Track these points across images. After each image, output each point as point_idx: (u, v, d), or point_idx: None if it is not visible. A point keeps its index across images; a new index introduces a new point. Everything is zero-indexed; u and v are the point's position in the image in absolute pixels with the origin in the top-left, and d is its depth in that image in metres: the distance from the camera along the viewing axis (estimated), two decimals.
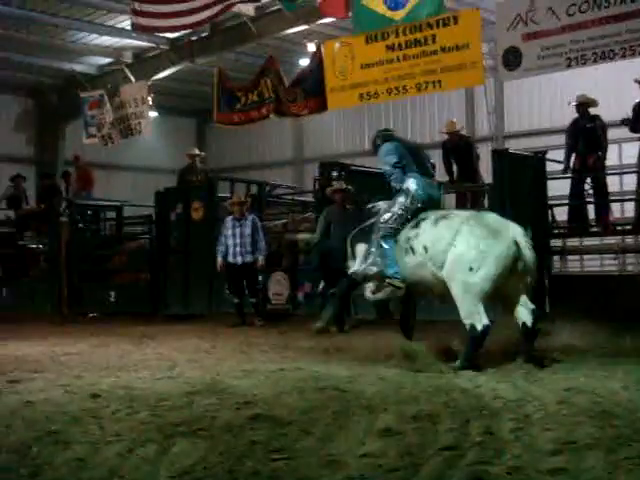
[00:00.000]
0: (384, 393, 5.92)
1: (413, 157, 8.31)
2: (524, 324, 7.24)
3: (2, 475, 4.01)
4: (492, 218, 7.61)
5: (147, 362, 8.29)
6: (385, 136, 8.69)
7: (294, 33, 17.05)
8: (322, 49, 13.85)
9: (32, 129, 23.89)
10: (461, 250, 7.27)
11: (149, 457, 4.26)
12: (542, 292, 11.60)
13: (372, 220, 8.25)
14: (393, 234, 7.89)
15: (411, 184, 8.03)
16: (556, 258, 13.38)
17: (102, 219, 17.88)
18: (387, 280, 7.88)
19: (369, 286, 8.25)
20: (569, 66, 11.60)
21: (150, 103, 18.12)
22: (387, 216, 8.00)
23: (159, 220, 15.22)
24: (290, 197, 17.66)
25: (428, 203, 8.08)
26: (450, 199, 14.13)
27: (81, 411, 5.48)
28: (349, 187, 10.38)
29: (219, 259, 12.87)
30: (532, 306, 7.34)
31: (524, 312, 7.28)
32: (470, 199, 13.61)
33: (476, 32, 12.09)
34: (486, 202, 12.93)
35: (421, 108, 22.15)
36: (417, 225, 7.80)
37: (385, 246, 7.88)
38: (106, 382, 6.84)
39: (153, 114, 19.42)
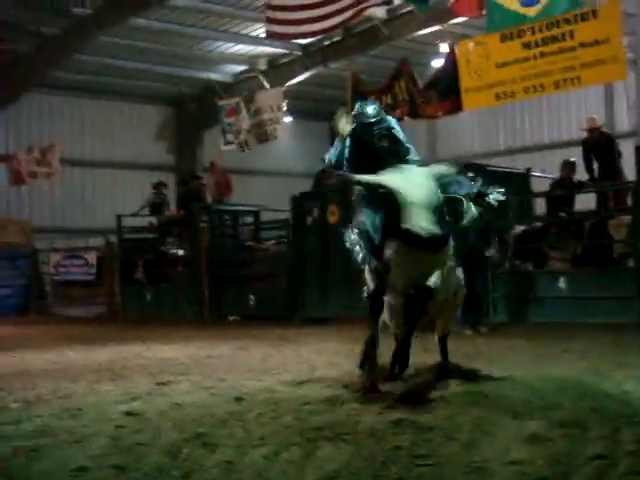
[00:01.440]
0: (528, 398, 5.81)
1: None
2: None
3: (155, 475, 4.13)
4: None
5: (287, 365, 8.39)
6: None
7: (426, 34, 16.97)
8: (455, 49, 13.71)
9: (172, 137, 24.75)
10: None
11: (294, 461, 4.31)
12: None
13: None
14: None
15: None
16: None
17: (240, 224, 18.24)
18: None
19: None
20: None
21: (285, 109, 18.44)
22: None
23: (296, 224, 15.38)
24: None
25: None
26: (590, 199, 13.74)
27: (227, 414, 5.60)
28: None
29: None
30: None
31: None
32: (613, 198, 13.18)
33: (617, 25, 11.71)
34: (629, 201, 12.50)
35: (557, 105, 21.64)
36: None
37: None
38: (249, 385, 6.99)
39: (287, 119, 19.72)
